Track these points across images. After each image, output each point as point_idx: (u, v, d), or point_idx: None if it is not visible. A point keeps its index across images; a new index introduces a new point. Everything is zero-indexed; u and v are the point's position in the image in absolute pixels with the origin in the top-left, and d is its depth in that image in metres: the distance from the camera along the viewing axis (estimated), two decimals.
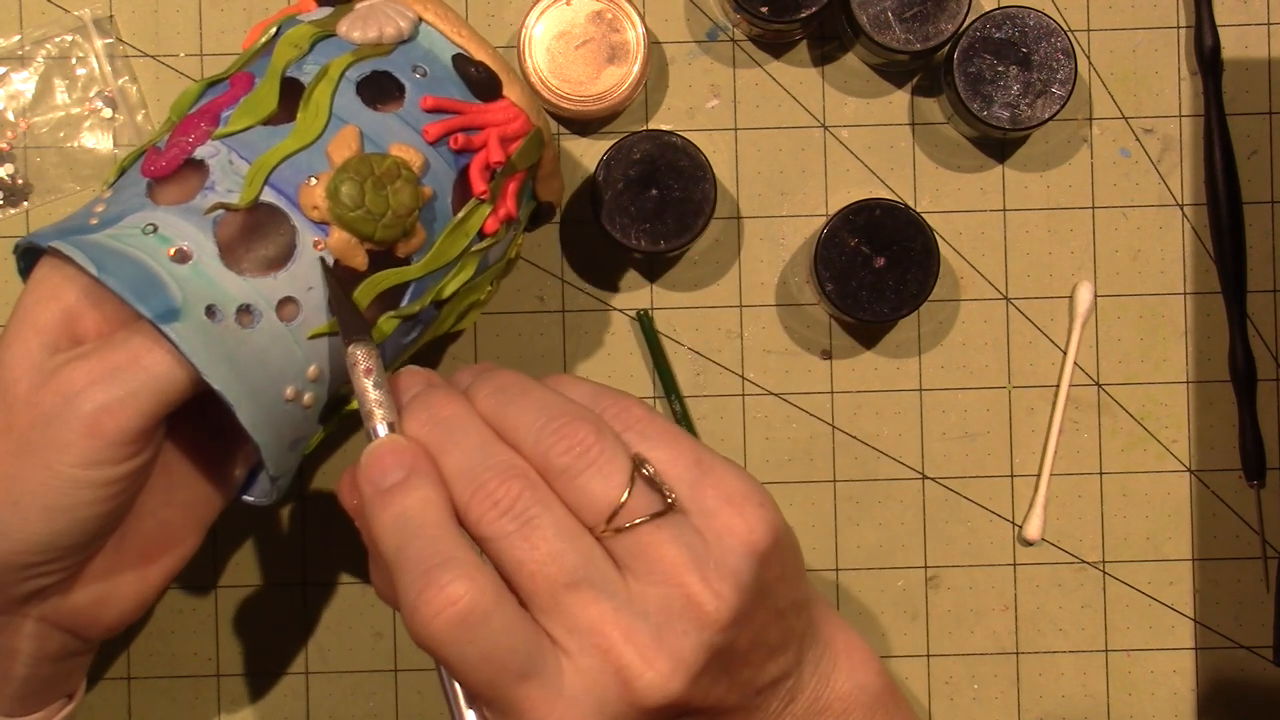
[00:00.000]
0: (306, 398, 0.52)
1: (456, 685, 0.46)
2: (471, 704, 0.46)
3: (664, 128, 0.66)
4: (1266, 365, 0.67)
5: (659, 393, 0.67)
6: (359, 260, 0.53)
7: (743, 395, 0.67)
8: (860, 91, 0.67)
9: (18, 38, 0.67)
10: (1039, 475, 0.67)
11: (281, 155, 0.53)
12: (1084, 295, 0.67)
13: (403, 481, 0.46)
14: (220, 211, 0.52)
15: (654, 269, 0.67)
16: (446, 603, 0.43)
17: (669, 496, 0.46)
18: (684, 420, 0.66)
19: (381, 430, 0.47)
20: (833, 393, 0.67)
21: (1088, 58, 0.67)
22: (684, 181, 0.64)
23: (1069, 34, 0.66)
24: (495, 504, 0.45)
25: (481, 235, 0.56)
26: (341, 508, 0.49)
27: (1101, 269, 0.67)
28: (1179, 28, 0.67)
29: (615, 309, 0.67)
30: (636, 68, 0.64)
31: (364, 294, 0.53)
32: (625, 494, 0.45)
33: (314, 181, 0.52)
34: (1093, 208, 0.67)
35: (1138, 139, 0.67)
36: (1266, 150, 0.67)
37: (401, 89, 0.55)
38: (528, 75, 0.64)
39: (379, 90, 0.55)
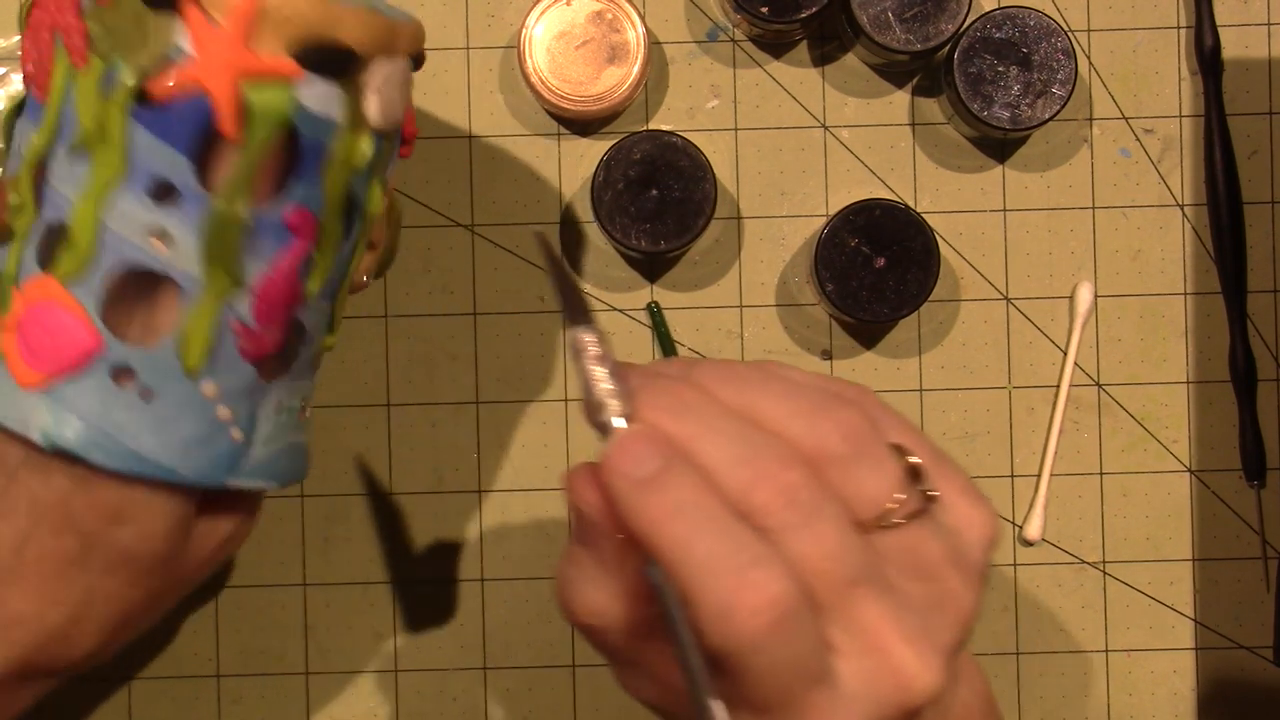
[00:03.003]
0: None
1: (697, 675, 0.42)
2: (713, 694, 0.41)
3: (664, 128, 0.66)
4: (1266, 365, 0.67)
5: None
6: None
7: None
8: (860, 91, 0.67)
9: (18, 38, 0.67)
10: (1039, 475, 0.67)
11: (349, 277, 0.53)
12: (1084, 295, 0.67)
13: (663, 471, 0.41)
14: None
15: (654, 269, 0.67)
16: (767, 603, 0.39)
17: (931, 492, 0.43)
18: None
19: (618, 421, 0.42)
20: None
21: (1088, 58, 0.67)
22: (684, 181, 0.64)
23: (1069, 34, 0.66)
24: (781, 492, 0.41)
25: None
26: (574, 506, 0.43)
27: (1101, 269, 0.67)
28: (1179, 28, 0.67)
29: (615, 309, 0.67)
30: (636, 68, 0.64)
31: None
32: (898, 488, 0.43)
33: (365, 275, 0.54)
34: (1093, 208, 0.67)
35: (1138, 139, 0.67)
36: (1266, 150, 0.67)
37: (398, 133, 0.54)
38: (527, 75, 0.64)
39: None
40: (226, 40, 0.47)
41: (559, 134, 0.67)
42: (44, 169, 0.49)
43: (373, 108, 0.49)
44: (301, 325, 0.51)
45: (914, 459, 0.43)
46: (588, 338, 0.43)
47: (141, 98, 0.47)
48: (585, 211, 0.66)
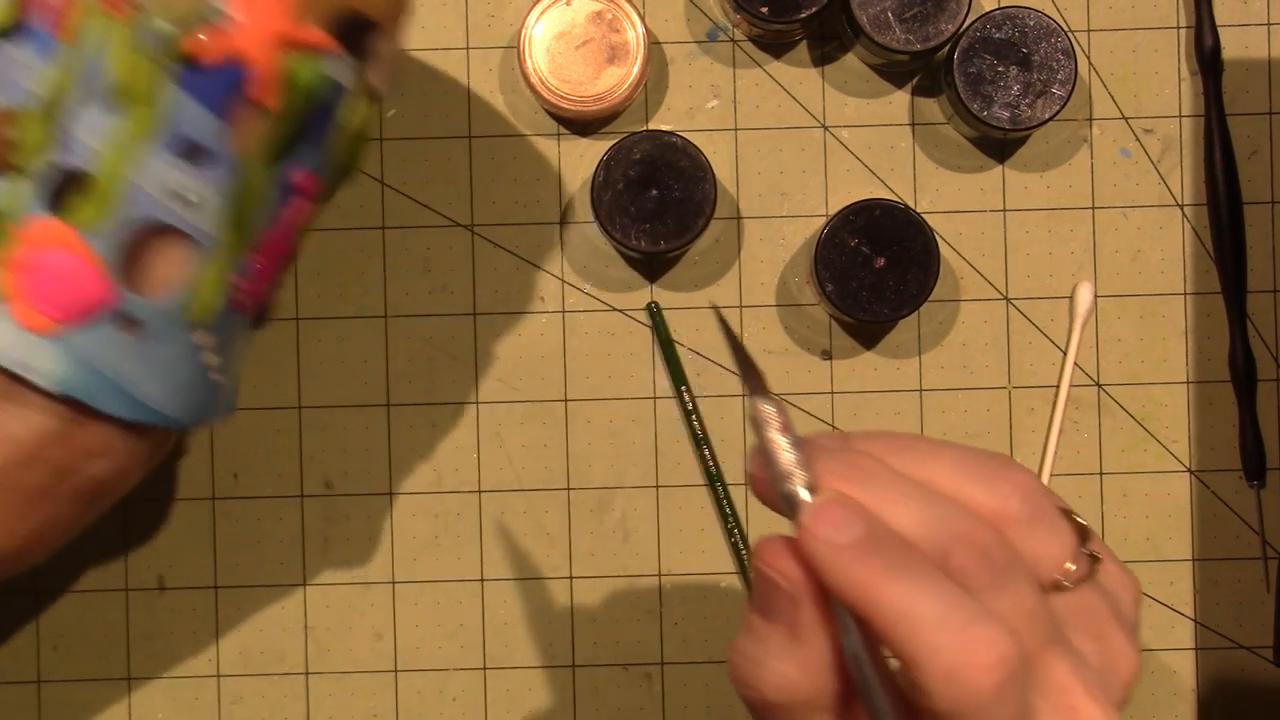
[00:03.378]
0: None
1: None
2: None
3: (664, 128, 0.66)
4: (1266, 365, 0.67)
5: (661, 392, 0.67)
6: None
7: (743, 395, 0.67)
8: (860, 91, 0.67)
9: None
10: (1039, 475, 0.67)
11: None
12: (1084, 295, 0.67)
13: (870, 534, 0.41)
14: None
15: (654, 269, 0.67)
16: (998, 660, 0.39)
17: (1096, 553, 0.44)
18: (694, 413, 0.66)
19: (804, 493, 0.41)
20: (833, 393, 0.67)
21: (1088, 58, 0.67)
22: (684, 181, 0.64)
23: (1069, 34, 0.66)
24: (981, 554, 0.41)
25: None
26: (764, 578, 0.42)
27: (1101, 269, 0.67)
28: (1179, 28, 0.67)
29: (615, 309, 0.67)
30: (636, 68, 0.64)
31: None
32: (1076, 551, 0.43)
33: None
34: (1093, 208, 0.67)
35: (1138, 139, 0.67)
36: (1266, 150, 0.67)
37: None
38: (527, 75, 0.64)
39: None
40: (273, 9, 0.48)
41: (559, 134, 0.67)
42: (61, 111, 0.49)
43: (377, 75, 0.51)
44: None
45: (1080, 519, 0.44)
46: (769, 408, 0.42)
47: (184, 59, 0.48)
48: (585, 211, 0.66)
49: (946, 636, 0.39)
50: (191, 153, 0.49)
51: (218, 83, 0.48)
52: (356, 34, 0.50)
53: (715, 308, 0.47)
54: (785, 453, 0.42)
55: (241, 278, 0.51)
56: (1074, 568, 0.43)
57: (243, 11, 0.48)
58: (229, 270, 0.50)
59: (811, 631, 0.42)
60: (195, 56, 0.48)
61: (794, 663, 0.42)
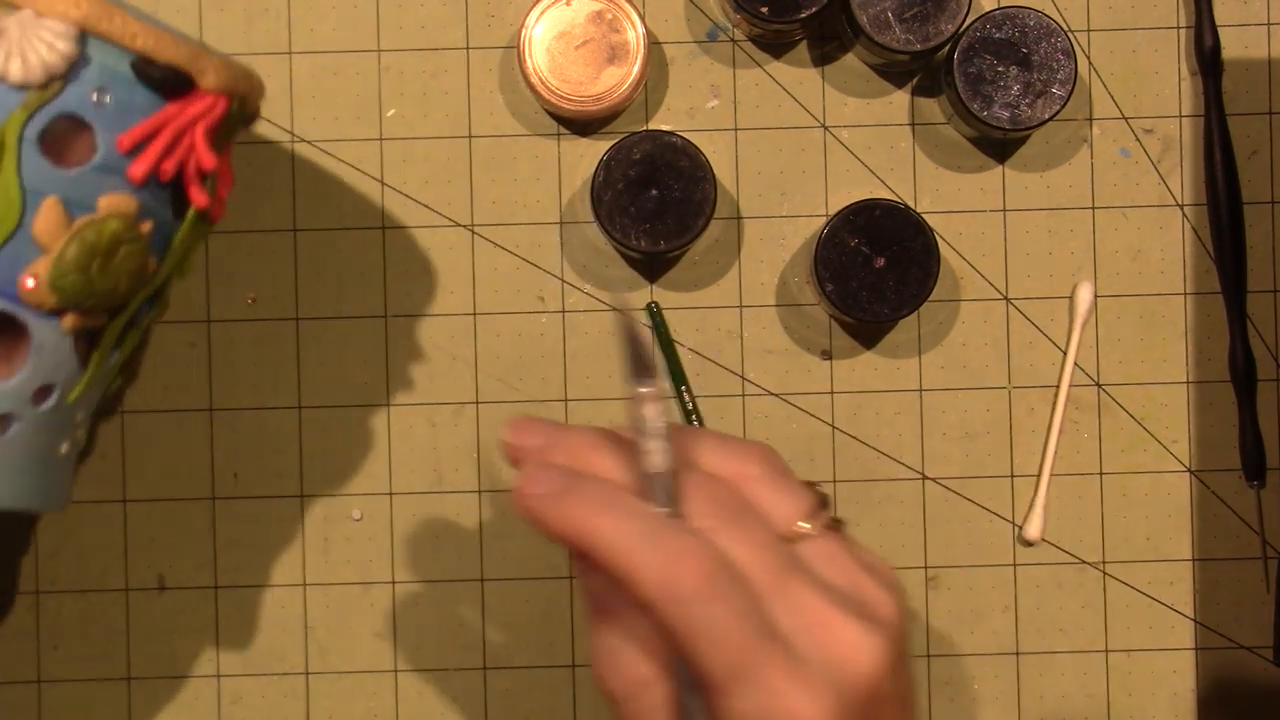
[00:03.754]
0: (79, 435, 0.52)
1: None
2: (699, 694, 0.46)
3: (664, 128, 0.66)
4: (1266, 365, 0.67)
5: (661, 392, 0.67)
6: (97, 321, 0.50)
7: (743, 395, 0.67)
8: (860, 91, 0.67)
9: None
10: (1039, 475, 0.67)
11: None
12: (1084, 295, 0.67)
13: (566, 486, 0.47)
14: None
15: (654, 269, 0.67)
16: (700, 560, 0.44)
17: (838, 521, 0.48)
18: (695, 413, 0.66)
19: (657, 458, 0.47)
20: (833, 393, 0.67)
21: (1088, 58, 0.67)
22: (684, 181, 0.64)
23: (1069, 34, 0.66)
24: (708, 496, 0.46)
25: (205, 222, 0.53)
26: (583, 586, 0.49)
27: (1101, 269, 0.67)
28: (1179, 28, 0.67)
29: (615, 309, 0.67)
30: (636, 68, 0.64)
31: (112, 342, 0.51)
32: (812, 510, 0.48)
33: (31, 282, 0.48)
34: (1093, 208, 0.67)
35: (1138, 139, 0.67)
36: (1266, 150, 0.67)
37: (89, 127, 0.49)
38: (527, 75, 0.64)
39: (63, 137, 0.49)
40: None
41: (559, 134, 0.67)
42: None
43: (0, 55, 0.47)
44: None
45: (823, 491, 0.49)
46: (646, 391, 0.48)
47: None
48: (585, 211, 0.66)
49: (652, 550, 0.45)
50: None
51: None
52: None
53: (621, 310, 0.49)
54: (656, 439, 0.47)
55: None
56: (808, 526, 0.47)
57: None
58: None
59: (638, 624, 0.46)
60: None
61: (639, 659, 0.47)
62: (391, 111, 0.67)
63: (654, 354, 0.48)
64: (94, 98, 0.48)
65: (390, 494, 0.67)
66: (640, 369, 0.48)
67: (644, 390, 0.47)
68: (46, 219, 0.48)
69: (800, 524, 0.47)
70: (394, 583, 0.67)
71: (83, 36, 0.48)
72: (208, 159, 0.51)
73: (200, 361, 0.66)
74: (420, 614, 0.67)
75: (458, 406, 0.67)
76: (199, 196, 0.51)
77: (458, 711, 0.67)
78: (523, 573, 0.67)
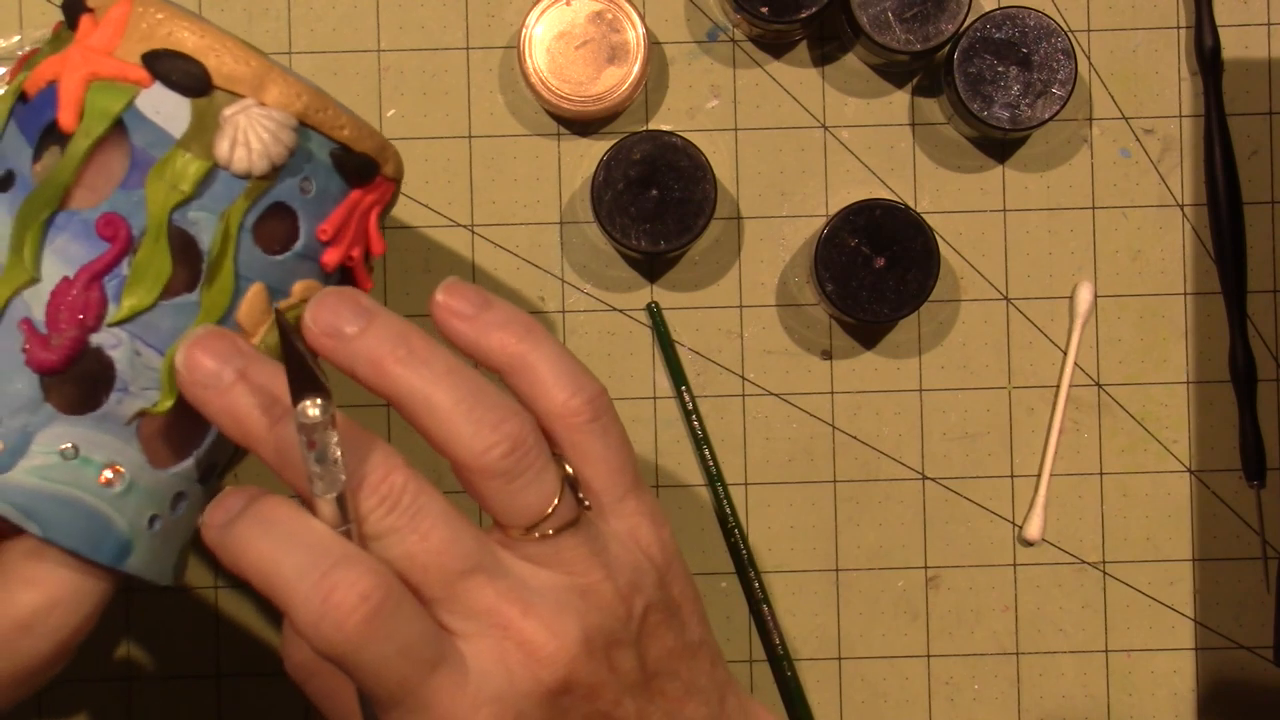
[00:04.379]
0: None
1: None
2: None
3: (664, 128, 0.66)
4: (1266, 365, 0.67)
5: (661, 392, 0.67)
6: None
7: (743, 395, 0.67)
8: (860, 91, 0.67)
9: (17, 38, 0.67)
10: (1039, 475, 0.67)
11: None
12: (1084, 295, 0.67)
13: (246, 507, 0.44)
14: (140, 418, 0.48)
15: (654, 269, 0.67)
16: (359, 600, 0.41)
17: (585, 504, 0.46)
18: (695, 413, 0.66)
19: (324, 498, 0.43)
20: (833, 393, 0.67)
21: (1088, 58, 0.67)
22: (684, 181, 0.64)
23: (1069, 34, 0.66)
24: (382, 495, 0.43)
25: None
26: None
27: (1101, 269, 0.67)
28: (1179, 28, 0.67)
29: (615, 309, 0.67)
30: (636, 68, 0.64)
31: None
32: (554, 505, 0.45)
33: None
34: (1093, 208, 0.67)
35: (1138, 139, 0.67)
36: (1266, 150, 0.67)
37: (293, 214, 0.50)
38: (527, 75, 0.64)
39: (270, 223, 0.50)
40: (90, 41, 0.48)
41: (559, 134, 0.67)
42: None
43: (223, 141, 0.48)
44: (108, 360, 0.48)
45: (570, 470, 0.46)
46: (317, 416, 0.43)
47: (22, 95, 0.49)
48: (585, 211, 0.66)
49: (305, 586, 0.41)
50: (6, 181, 0.48)
51: (36, 110, 0.49)
52: (193, 82, 0.48)
53: (279, 313, 0.46)
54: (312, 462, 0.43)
55: (30, 323, 0.47)
56: (543, 520, 0.44)
57: (72, 42, 0.49)
58: (10, 304, 0.47)
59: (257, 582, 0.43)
60: (29, 90, 0.49)
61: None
62: (391, 111, 0.67)
63: (316, 361, 0.44)
64: (300, 187, 0.49)
65: None
66: (305, 384, 0.43)
67: (313, 412, 0.42)
68: (252, 304, 0.49)
69: (530, 527, 0.44)
70: None
71: (300, 127, 0.49)
72: (379, 244, 0.52)
73: None
74: None
75: None
76: (365, 280, 0.52)
77: None
78: None
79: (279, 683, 0.67)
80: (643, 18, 0.65)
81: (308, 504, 0.43)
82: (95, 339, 0.47)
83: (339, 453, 0.43)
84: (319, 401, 0.42)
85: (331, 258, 0.51)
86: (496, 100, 0.67)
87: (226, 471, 0.53)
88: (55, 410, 0.47)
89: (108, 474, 0.47)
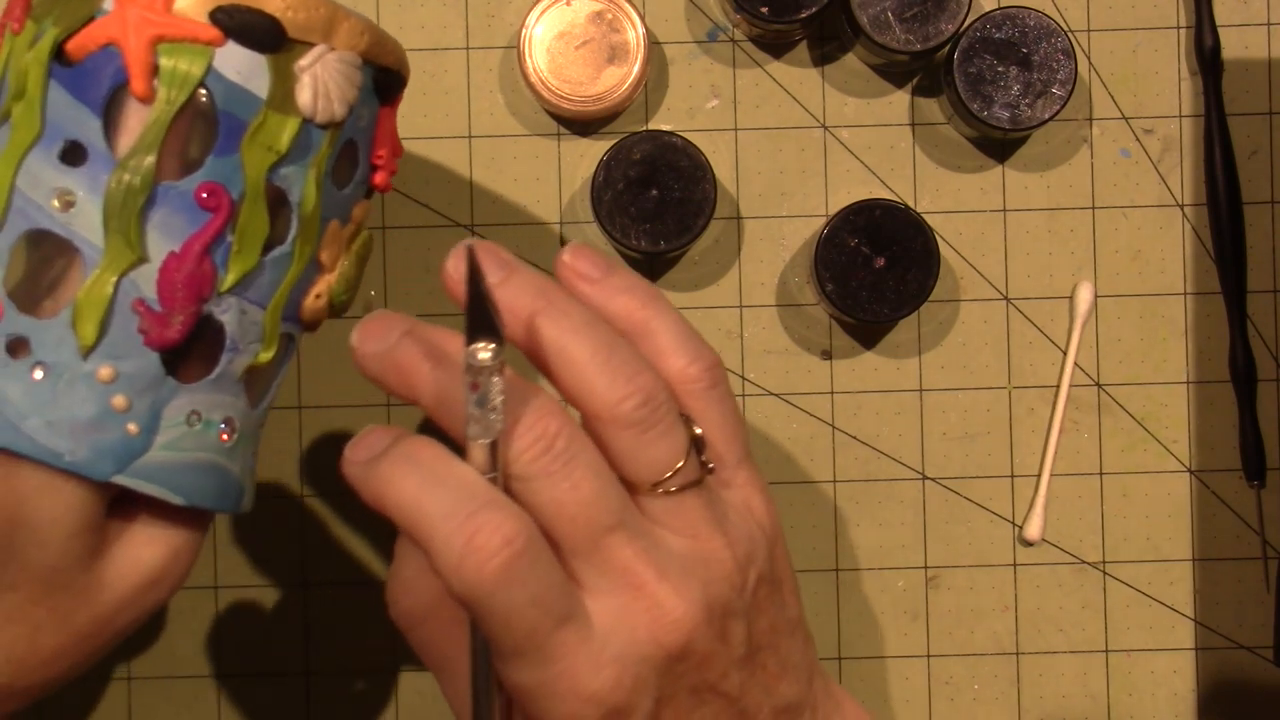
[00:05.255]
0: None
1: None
2: (491, 682, 0.44)
3: (664, 128, 0.66)
4: (1266, 365, 0.67)
5: None
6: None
7: (743, 395, 0.67)
8: (860, 91, 0.67)
9: None
10: (1039, 475, 0.67)
11: (289, 289, 0.49)
12: (1084, 295, 0.67)
13: (391, 445, 0.44)
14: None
15: (654, 269, 0.67)
16: (503, 543, 0.41)
17: (709, 466, 0.46)
18: None
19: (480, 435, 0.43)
20: (833, 393, 0.67)
21: (1088, 58, 0.67)
22: (684, 181, 0.64)
23: (1069, 34, 0.66)
24: (537, 440, 0.43)
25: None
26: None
27: (1101, 269, 0.67)
28: (1179, 28, 0.67)
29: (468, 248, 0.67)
30: (636, 68, 0.64)
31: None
32: (681, 461, 0.44)
33: (319, 297, 0.50)
34: (1093, 208, 0.67)
35: (1138, 139, 0.67)
36: (1266, 150, 0.67)
37: (355, 147, 0.50)
38: (527, 75, 0.64)
39: (344, 164, 0.50)
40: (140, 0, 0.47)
41: (559, 134, 0.67)
42: None
43: (305, 94, 0.48)
44: (218, 325, 0.48)
45: (698, 430, 0.46)
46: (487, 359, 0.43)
47: (61, 56, 0.47)
48: (585, 211, 0.66)
49: (450, 527, 0.41)
50: (73, 154, 0.47)
51: (94, 77, 0.46)
52: (268, 36, 0.47)
53: (471, 249, 0.44)
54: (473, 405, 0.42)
55: (144, 303, 0.47)
56: (673, 474, 0.44)
57: (118, 2, 0.46)
58: (120, 287, 0.46)
59: (396, 517, 0.43)
60: (74, 53, 0.47)
61: (426, 589, 0.46)
62: None
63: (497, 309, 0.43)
64: (358, 119, 0.50)
65: None
66: (481, 325, 0.42)
67: (482, 356, 0.42)
68: (330, 241, 0.49)
69: (656, 482, 0.44)
70: None
71: (365, 65, 0.49)
72: (398, 147, 0.52)
73: None
74: None
75: None
76: (385, 182, 0.52)
77: None
78: None
79: (279, 683, 0.67)
80: (643, 18, 0.65)
81: (459, 450, 0.43)
82: (208, 307, 0.47)
83: (500, 399, 0.42)
84: (492, 346, 0.42)
85: (381, 179, 0.51)
86: (496, 100, 0.67)
87: None
88: (177, 382, 0.47)
89: (225, 430, 0.48)
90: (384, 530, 0.67)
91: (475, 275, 0.42)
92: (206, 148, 0.47)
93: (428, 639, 0.47)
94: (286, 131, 0.47)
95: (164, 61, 0.46)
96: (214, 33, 0.46)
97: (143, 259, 0.47)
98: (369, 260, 0.53)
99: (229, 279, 0.47)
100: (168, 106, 0.46)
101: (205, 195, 0.47)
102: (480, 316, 0.42)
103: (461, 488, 0.42)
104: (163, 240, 0.47)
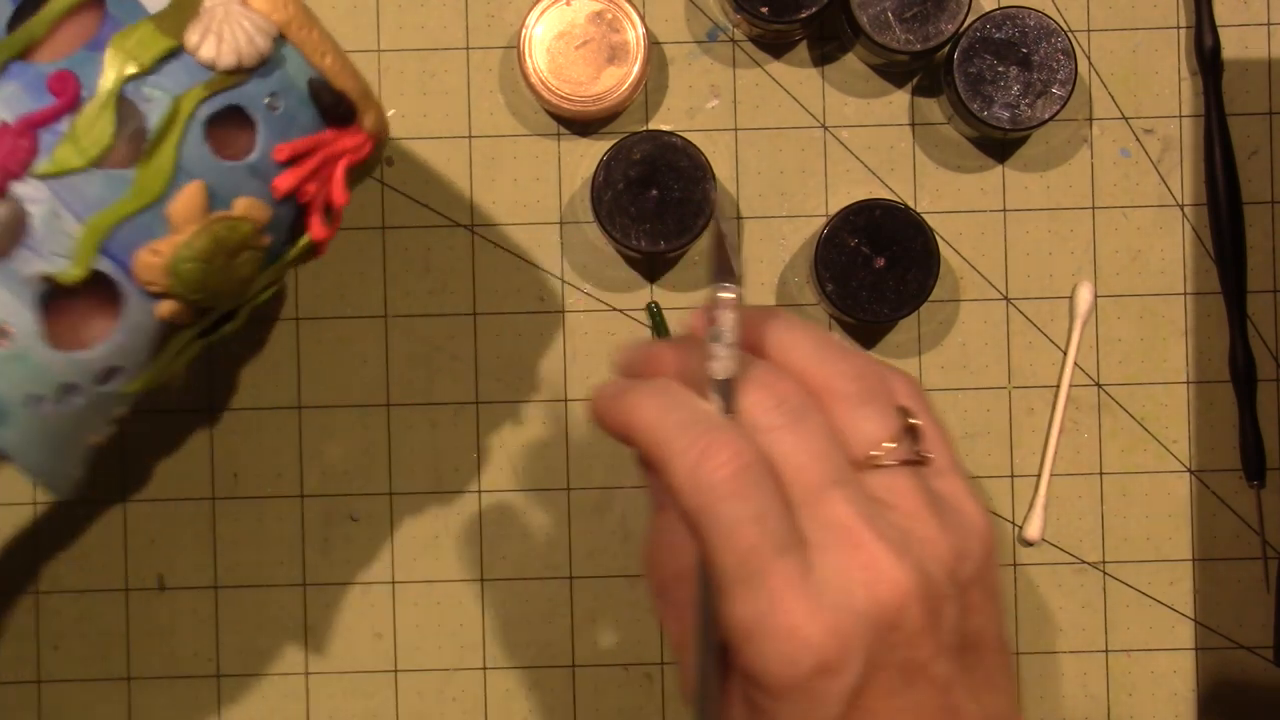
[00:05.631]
0: (110, 429, 0.50)
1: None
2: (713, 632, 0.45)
3: (664, 128, 0.66)
4: (1266, 365, 0.67)
5: None
6: (185, 318, 0.49)
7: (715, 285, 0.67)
8: (860, 91, 0.67)
9: None
10: (1039, 475, 0.67)
11: (119, 217, 0.47)
12: (1084, 295, 0.67)
13: (639, 382, 0.47)
14: (46, 283, 0.46)
15: (654, 269, 0.67)
16: (732, 456, 0.44)
17: (928, 454, 0.47)
18: None
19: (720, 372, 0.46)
20: None
21: (1088, 58, 0.67)
22: (684, 181, 0.64)
23: (1069, 34, 0.66)
24: (773, 393, 0.45)
25: (311, 255, 0.53)
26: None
27: (1101, 269, 0.67)
28: (1179, 28, 0.67)
29: (615, 309, 0.67)
30: (636, 68, 0.64)
31: (181, 346, 0.50)
32: (896, 439, 0.46)
33: (156, 254, 0.48)
34: (1093, 208, 0.67)
35: (1138, 139, 0.67)
36: (1266, 150, 0.67)
37: (252, 126, 0.49)
38: (527, 75, 0.64)
39: (225, 128, 0.49)
40: None
41: (559, 134, 0.67)
42: None
43: (196, 28, 0.48)
44: (22, 214, 0.47)
45: (915, 421, 0.47)
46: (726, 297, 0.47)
47: None
48: (585, 211, 0.66)
49: (686, 441, 0.44)
50: None
51: None
52: None
53: (715, 219, 0.47)
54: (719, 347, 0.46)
55: None
56: (885, 452, 0.46)
57: None
58: None
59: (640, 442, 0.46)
60: None
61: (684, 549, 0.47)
62: (391, 111, 0.67)
63: (740, 260, 0.47)
64: (267, 100, 0.49)
65: (390, 494, 0.67)
66: (723, 272, 0.46)
67: (722, 295, 0.46)
68: (188, 201, 0.48)
69: (873, 451, 0.46)
70: (394, 583, 0.67)
71: (279, 38, 0.49)
72: (341, 194, 0.51)
73: (200, 361, 0.66)
74: (420, 614, 0.67)
75: (458, 406, 0.67)
76: (319, 229, 0.51)
77: (458, 711, 0.67)
78: (523, 573, 0.67)
79: (279, 683, 0.67)
80: (643, 18, 0.65)
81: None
82: (18, 188, 0.46)
83: (734, 338, 0.46)
84: (730, 285, 0.46)
85: (284, 183, 0.50)
86: (496, 100, 0.67)
87: (142, 388, 0.51)
88: None
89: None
90: (383, 530, 0.67)
91: (718, 229, 0.46)
92: (82, 44, 0.48)
93: (671, 606, 0.48)
94: (155, 46, 0.47)
95: None
96: None
97: None
98: (253, 283, 0.50)
99: (45, 165, 0.47)
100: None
101: (55, 80, 0.47)
102: (722, 263, 0.46)
103: (701, 414, 0.45)
104: (2, 110, 0.47)
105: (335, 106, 0.50)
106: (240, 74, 0.48)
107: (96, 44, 0.48)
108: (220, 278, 0.49)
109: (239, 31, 0.48)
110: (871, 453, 0.46)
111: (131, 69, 0.47)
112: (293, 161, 0.50)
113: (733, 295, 0.46)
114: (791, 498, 0.45)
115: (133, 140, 0.48)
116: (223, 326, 0.54)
